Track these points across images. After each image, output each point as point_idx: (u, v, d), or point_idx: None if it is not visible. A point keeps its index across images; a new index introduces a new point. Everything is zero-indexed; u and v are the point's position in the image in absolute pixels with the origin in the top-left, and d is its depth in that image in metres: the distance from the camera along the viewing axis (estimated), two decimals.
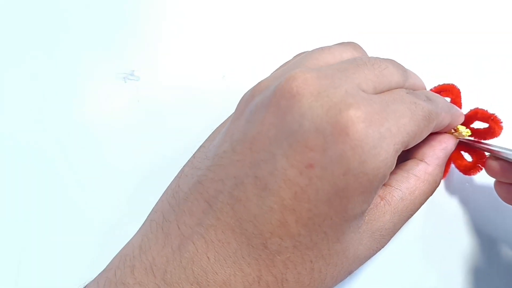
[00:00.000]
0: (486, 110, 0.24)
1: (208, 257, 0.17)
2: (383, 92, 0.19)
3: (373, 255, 0.20)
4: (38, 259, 0.24)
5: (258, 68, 0.24)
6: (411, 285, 0.25)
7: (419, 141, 0.19)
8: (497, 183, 0.23)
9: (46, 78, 0.27)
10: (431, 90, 0.25)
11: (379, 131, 0.16)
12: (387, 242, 0.20)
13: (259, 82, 0.21)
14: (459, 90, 0.25)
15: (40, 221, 0.25)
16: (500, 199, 0.23)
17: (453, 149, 0.23)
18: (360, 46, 0.21)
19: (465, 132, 0.23)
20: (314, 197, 0.16)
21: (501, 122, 0.23)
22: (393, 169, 0.20)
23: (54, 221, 0.25)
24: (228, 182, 0.17)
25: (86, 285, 0.18)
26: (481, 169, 0.24)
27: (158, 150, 0.26)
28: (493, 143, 0.23)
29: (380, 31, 0.27)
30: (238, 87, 0.23)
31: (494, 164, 0.23)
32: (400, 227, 0.20)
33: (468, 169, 0.24)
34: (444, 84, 0.25)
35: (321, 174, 0.16)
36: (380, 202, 0.19)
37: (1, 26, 0.28)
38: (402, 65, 0.21)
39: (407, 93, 0.20)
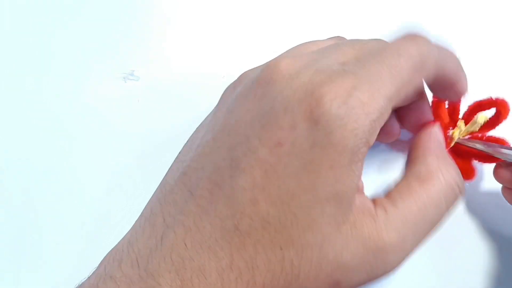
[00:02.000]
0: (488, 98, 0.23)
1: (185, 244, 0.16)
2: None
3: (377, 275, 0.17)
4: (38, 259, 0.24)
5: None
6: (412, 285, 0.25)
7: (414, 90, 0.18)
8: (504, 189, 0.23)
9: (46, 78, 0.27)
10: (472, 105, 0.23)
11: (345, 102, 0.16)
12: (397, 261, 0.17)
13: (240, 75, 0.21)
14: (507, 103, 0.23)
15: (40, 221, 0.25)
16: (504, 199, 0.23)
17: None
18: (345, 39, 0.21)
19: (463, 129, 0.23)
20: (282, 173, 0.16)
21: (507, 102, 0.22)
22: (398, 182, 0.19)
23: (54, 222, 0.25)
24: (208, 168, 0.17)
25: (81, 284, 0.18)
26: (472, 176, 0.23)
27: (158, 150, 0.26)
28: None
29: (378, 31, 0.27)
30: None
31: (503, 172, 0.22)
32: (413, 245, 0.17)
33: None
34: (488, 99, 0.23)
35: (289, 150, 0.16)
36: (372, 207, 0.18)
37: (0, 26, 0.28)
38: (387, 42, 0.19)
39: (394, 43, 0.18)
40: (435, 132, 0.21)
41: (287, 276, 0.17)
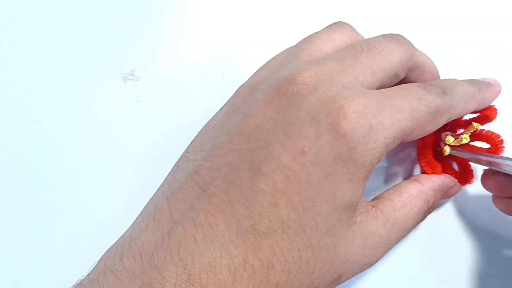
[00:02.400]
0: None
1: (195, 240, 0.17)
2: (386, 75, 0.20)
3: (367, 265, 0.20)
4: (38, 260, 0.24)
5: (258, 68, 0.24)
6: (411, 285, 0.25)
7: (423, 135, 0.20)
8: (494, 197, 0.23)
9: (45, 78, 0.27)
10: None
11: (369, 122, 0.18)
12: (383, 254, 0.20)
13: (254, 77, 0.21)
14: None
15: (40, 221, 0.25)
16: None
17: (451, 186, 0.23)
18: (346, 23, 0.22)
19: (452, 141, 0.23)
20: (305, 181, 0.17)
21: (494, 105, 0.23)
22: (389, 188, 0.22)
23: (54, 221, 0.25)
24: (224, 168, 0.18)
25: (81, 280, 0.18)
26: (470, 181, 0.23)
27: (158, 150, 0.26)
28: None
29: (378, 23, 0.27)
30: (238, 87, 0.23)
31: (488, 180, 0.22)
32: (395, 241, 0.20)
33: (459, 178, 0.23)
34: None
35: (313, 160, 0.17)
36: (371, 209, 0.20)
37: (0, 25, 0.28)
38: (407, 40, 0.21)
39: (418, 86, 0.20)
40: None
41: (302, 275, 0.17)
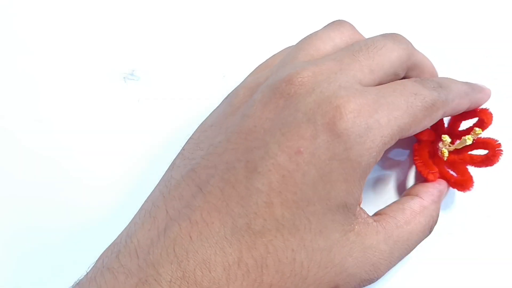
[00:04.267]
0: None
1: (190, 237, 0.17)
2: (385, 73, 0.20)
3: (366, 282, 0.19)
4: (38, 260, 0.24)
5: (255, 68, 0.24)
6: (411, 284, 0.25)
7: (419, 130, 0.20)
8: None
9: (45, 78, 0.27)
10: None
11: (366, 122, 0.18)
12: (385, 271, 0.19)
13: (253, 77, 0.21)
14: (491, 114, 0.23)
15: (40, 221, 0.25)
16: (499, 200, 0.23)
17: (445, 192, 0.23)
18: (346, 22, 0.22)
19: (448, 143, 0.22)
20: (300, 180, 0.17)
21: (489, 110, 0.22)
22: (390, 204, 0.21)
23: (54, 221, 0.25)
24: (220, 167, 0.18)
25: (80, 279, 0.18)
26: (470, 187, 0.23)
27: (158, 150, 0.26)
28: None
29: (377, 23, 0.27)
30: (236, 86, 0.23)
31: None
32: (398, 258, 0.20)
33: (458, 184, 0.23)
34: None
35: (308, 160, 0.17)
36: (372, 222, 0.19)
37: (0, 25, 0.28)
38: (406, 40, 0.21)
39: (414, 81, 0.20)
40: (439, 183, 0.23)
41: (296, 278, 0.17)
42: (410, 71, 0.21)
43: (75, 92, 0.27)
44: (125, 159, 0.26)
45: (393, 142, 0.19)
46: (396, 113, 0.18)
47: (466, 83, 0.22)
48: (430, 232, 0.21)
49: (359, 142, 0.17)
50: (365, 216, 0.19)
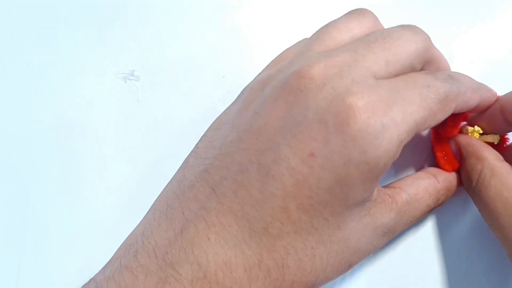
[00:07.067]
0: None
1: (208, 238, 0.17)
2: (401, 66, 0.19)
3: (372, 252, 0.20)
4: (38, 260, 0.24)
5: (258, 68, 0.24)
6: (411, 285, 0.25)
7: (435, 124, 0.19)
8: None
9: (45, 78, 0.27)
10: None
11: (381, 121, 0.17)
12: (387, 241, 0.20)
13: (266, 72, 0.21)
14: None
15: (40, 221, 0.25)
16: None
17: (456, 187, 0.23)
18: (367, 11, 0.21)
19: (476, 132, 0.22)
20: (316, 185, 0.17)
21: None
22: (405, 178, 0.21)
23: (55, 221, 0.25)
24: (233, 168, 0.18)
25: (93, 277, 0.18)
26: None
27: (158, 150, 0.26)
28: None
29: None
30: (238, 87, 0.23)
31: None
32: (400, 230, 0.21)
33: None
34: None
35: (322, 163, 0.17)
36: (387, 199, 0.19)
37: (0, 25, 0.28)
38: (424, 32, 0.20)
39: (425, 73, 0.19)
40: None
41: (316, 270, 0.18)
42: (427, 65, 0.21)
43: (75, 92, 0.27)
44: (125, 159, 0.26)
45: (409, 138, 0.18)
46: (411, 108, 0.17)
47: (474, 80, 0.22)
48: (430, 212, 0.21)
49: (375, 144, 0.16)
50: (382, 193, 0.19)
